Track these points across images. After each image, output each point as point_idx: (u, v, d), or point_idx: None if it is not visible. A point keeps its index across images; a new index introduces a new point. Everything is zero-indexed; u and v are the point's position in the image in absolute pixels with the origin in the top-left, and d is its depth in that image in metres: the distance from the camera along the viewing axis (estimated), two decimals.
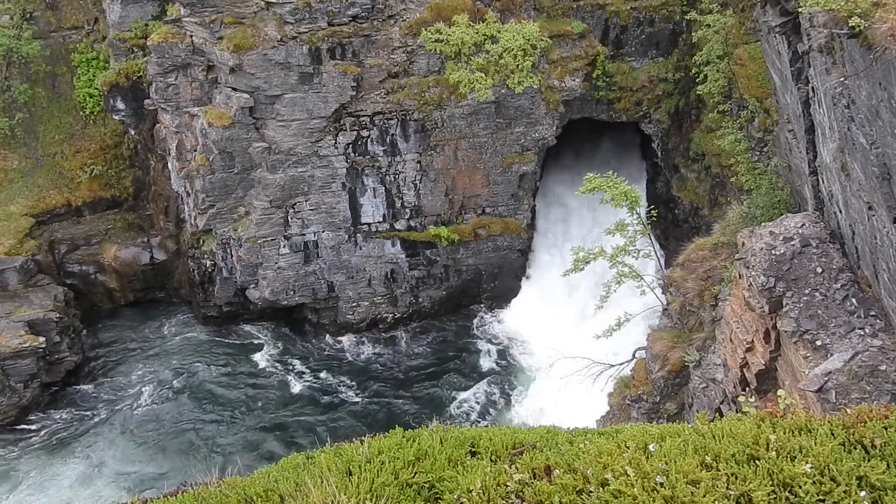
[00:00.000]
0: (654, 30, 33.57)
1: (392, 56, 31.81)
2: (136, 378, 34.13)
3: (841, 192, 16.70)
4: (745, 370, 19.16)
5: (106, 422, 31.84)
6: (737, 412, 15.18)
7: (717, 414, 19.65)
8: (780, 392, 7.03)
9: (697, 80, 29.52)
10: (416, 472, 6.06)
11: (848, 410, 6.44)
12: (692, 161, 33.37)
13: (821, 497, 5.22)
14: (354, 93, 31.89)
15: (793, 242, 17.70)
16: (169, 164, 35.65)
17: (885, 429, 5.98)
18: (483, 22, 31.64)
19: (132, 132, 37.01)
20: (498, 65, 31.35)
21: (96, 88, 36.82)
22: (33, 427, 31.86)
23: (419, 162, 33.94)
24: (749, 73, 26.70)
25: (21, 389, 31.86)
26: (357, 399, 33.19)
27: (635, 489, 5.32)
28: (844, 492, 5.24)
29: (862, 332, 15.90)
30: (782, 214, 20.14)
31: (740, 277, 18.45)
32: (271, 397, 33.19)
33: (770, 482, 5.32)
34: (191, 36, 31.80)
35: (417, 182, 34.38)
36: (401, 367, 35.01)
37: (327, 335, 36.81)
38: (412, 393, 33.35)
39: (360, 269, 35.78)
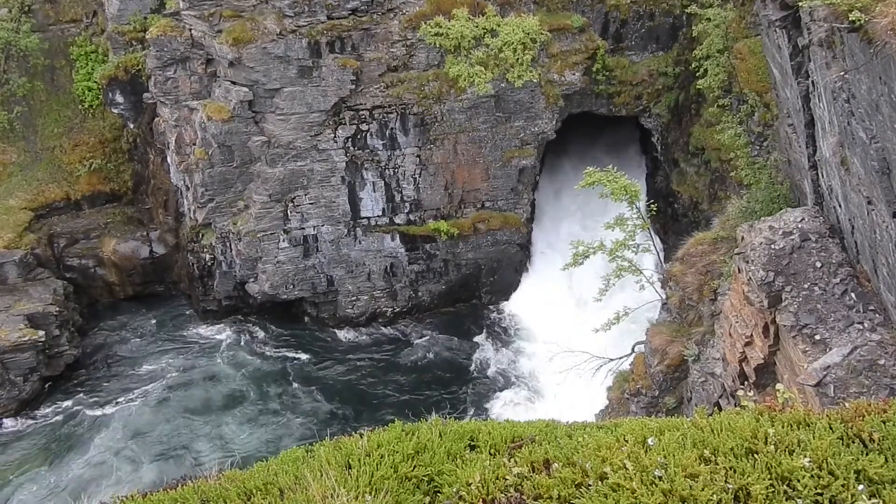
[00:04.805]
0: (654, 24, 33.51)
1: (391, 50, 31.76)
2: (135, 372, 34.16)
3: (840, 187, 16.69)
4: (743, 364, 19.17)
5: (105, 415, 31.87)
6: (735, 406, 15.20)
7: (716, 408, 19.68)
8: (778, 386, 7.04)
9: (697, 74, 29.48)
10: (415, 466, 6.07)
11: (846, 405, 6.44)
12: (692, 155, 33.35)
13: (819, 490, 5.23)
14: (354, 86, 31.85)
15: (792, 237, 17.70)
16: (168, 158, 35.61)
17: (884, 423, 5.99)
18: (483, 16, 31.59)
19: (131, 126, 36.98)
20: (497, 59, 31.30)
21: (95, 82, 36.77)
22: (32, 421, 31.90)
23: (418, 156, 33.92)
24: (749, 67, 26.66)
25: (20, 383, 31.90)
26: (356, 393, 33.21)
27: (634, 483, 5.33)
28: (842, 485, 5.25)
29: (861, 327, 15.91)
30: (782, 209, 20.13)
31: (739, 272, 18.45)
32: (270, 391, 33.23)
33: (768, 476, 5.34)
34: (190, 29, 31.73)
35: (417, 176, 34.36)
36: (400, 361, 35.03)
37: (327, 329, 36.83)
38: (411, 387, 33.39)
39: (359, 264, 35.79)
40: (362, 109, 32.68)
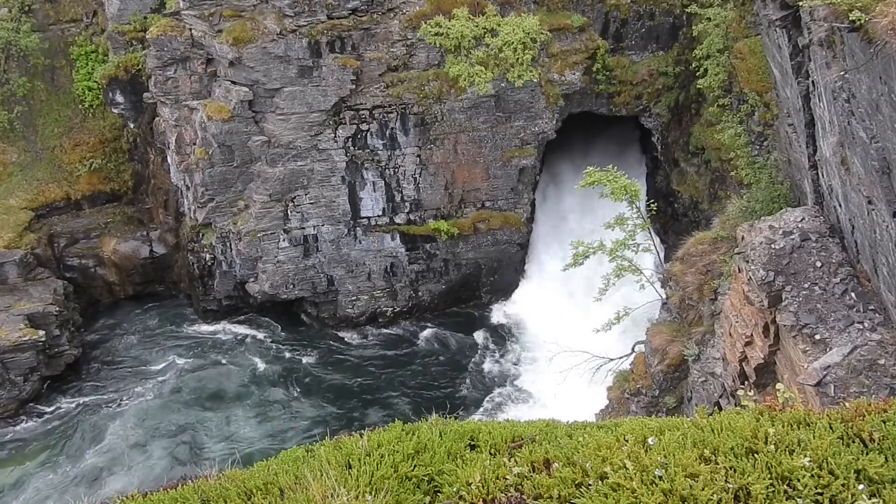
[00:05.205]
0: (654, 23, 33.51)
1: (392, 49, 31.76)
2: (135, 372, 34.17)
3: (840, 187, 16.68)
4: (744, 364, 19.18)
5: (105, 415, 31.87)
6: (735, 406, 15.20)
7: (716, 408, 19.68)
8: (778, 386, 7.04)
9: (697, 73, 29.47)
10: (415, 466, 6.07)
11: (846, 404, 6.44)
12: (692, 155, 33.35)
13: (819, 490, 5.22)
14: (354, 86, 31.84)
15: (792, 236, 17.69)
16: (168, 158, 35.61)
17: (884, 422, 5.99)
18: (483, 15, 31.58)
19: (131, 125, 36.99)
20: (498, 58, 31.30)
21: (95, 81, 36.78)
22: (32, 421, 31.90)
23: (419, 156, 33.92)
24: (749, 66, 26.65)
25: (21, 383, 31.90)
26: (356, 392, 33.22)
27: (634, 482, 5.33)
28: (843, 485, 5.24)
29: (861, 327, 15.91)
30: (782, 208, 20.14)
31: (739, 271, 18.44)
32: (270, 390, 33.23)
33: (769, 475, 5.33)
34: (190, 29, 31.73)
35: (417, 176, 34.36)
36: (399, 361, 35.04)
37: (327, 329, 36.83)
38: (411, 386, 33.40)
39: (359, 263, 35.79)
40: (362, 109, 32.68)
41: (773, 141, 24.56)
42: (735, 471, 5.41)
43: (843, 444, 5.73)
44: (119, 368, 34.45)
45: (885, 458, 5.54)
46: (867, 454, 5.59)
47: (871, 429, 5.88)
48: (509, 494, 5.52)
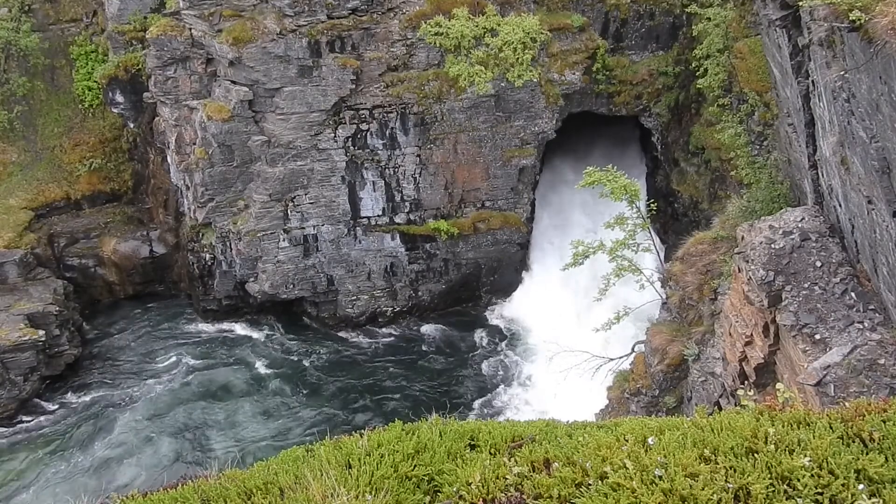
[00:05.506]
0: (654, 23, 33.52)
1: (391, 49, 31.76)
2: (135, 371, 34.16)
3: (840, 186, 16.68)
4: (743, 364, 19.18)
5: (105, 415, 31.87)
6: (735, 406, 15.20)
7: (716, 407, 19.68)
8: (778, 386, 7.04)
9: (697, 73, 29.48)
10: (415, 465, 6.07)
11: (846, 404, 6.44)
12: (692, 155, 33.35)
13: (819, 490, 5.22)
14: (354, 86, 31.85)
15: (792, 236, 17.69)
16: (168, 158, 35.61)
17: (884, 422, 5.99)
18: (483, 15, 31.59)
19: (131, 125, 37.00)
20: (497, 58, 31.31)
21: (95, 81, 36.80)
22: (32, 420, 31.90)
23: (419, 155, 33.92)
24: (749, 66, 26.66)
25: (21, 382, 31.90)
26: (356, 392, 33.22)
27: (634, 482, 5.33)
28: (843, 485, 5.24)
29: (861, 326, 15.91)
30: (782, 208, 20.15)
31: (739, 271, 18.44)
32: (270, 390, 33.23)
33: (769, 475, 5.33)
34: (190, 29, 31.73)
35: (417, 176, 34.36)
36: (399, 360, 35.04)
37: (327, 328, 36.83)
38: (411, 386, 33.40)
39: (359, 263, 35.79)
40: (362, 109, 32.68)
41: (773, 141, 24.56)
42: (735, 470, 5.41)
43: (843, 443, 5.73)
44: (119, 368, 34.45)
45: (885, 458, 5.54)
46: (867, 454, 5.59)
47: (871, 429, 5.88)
48: (509, 494, 5.52)
